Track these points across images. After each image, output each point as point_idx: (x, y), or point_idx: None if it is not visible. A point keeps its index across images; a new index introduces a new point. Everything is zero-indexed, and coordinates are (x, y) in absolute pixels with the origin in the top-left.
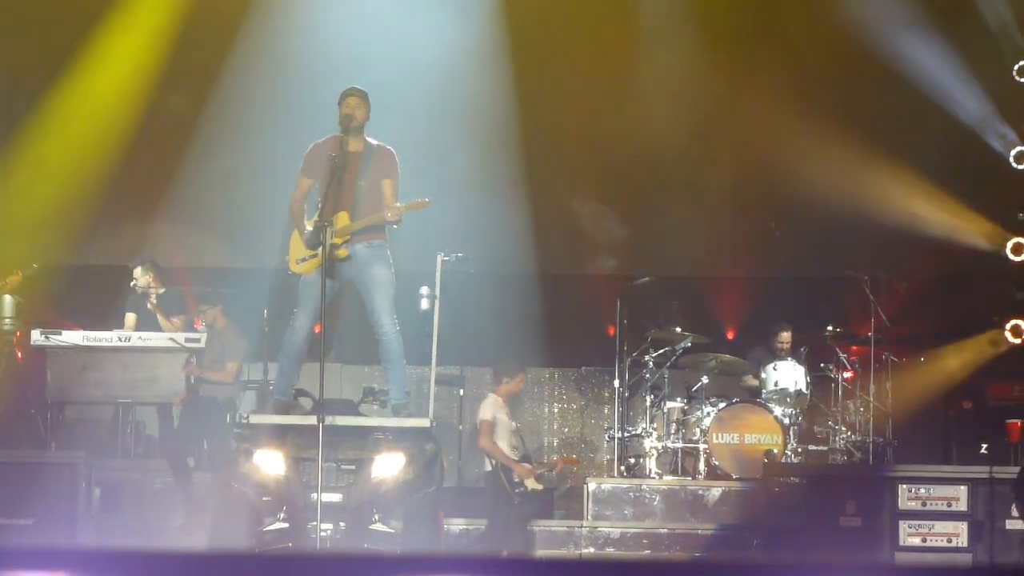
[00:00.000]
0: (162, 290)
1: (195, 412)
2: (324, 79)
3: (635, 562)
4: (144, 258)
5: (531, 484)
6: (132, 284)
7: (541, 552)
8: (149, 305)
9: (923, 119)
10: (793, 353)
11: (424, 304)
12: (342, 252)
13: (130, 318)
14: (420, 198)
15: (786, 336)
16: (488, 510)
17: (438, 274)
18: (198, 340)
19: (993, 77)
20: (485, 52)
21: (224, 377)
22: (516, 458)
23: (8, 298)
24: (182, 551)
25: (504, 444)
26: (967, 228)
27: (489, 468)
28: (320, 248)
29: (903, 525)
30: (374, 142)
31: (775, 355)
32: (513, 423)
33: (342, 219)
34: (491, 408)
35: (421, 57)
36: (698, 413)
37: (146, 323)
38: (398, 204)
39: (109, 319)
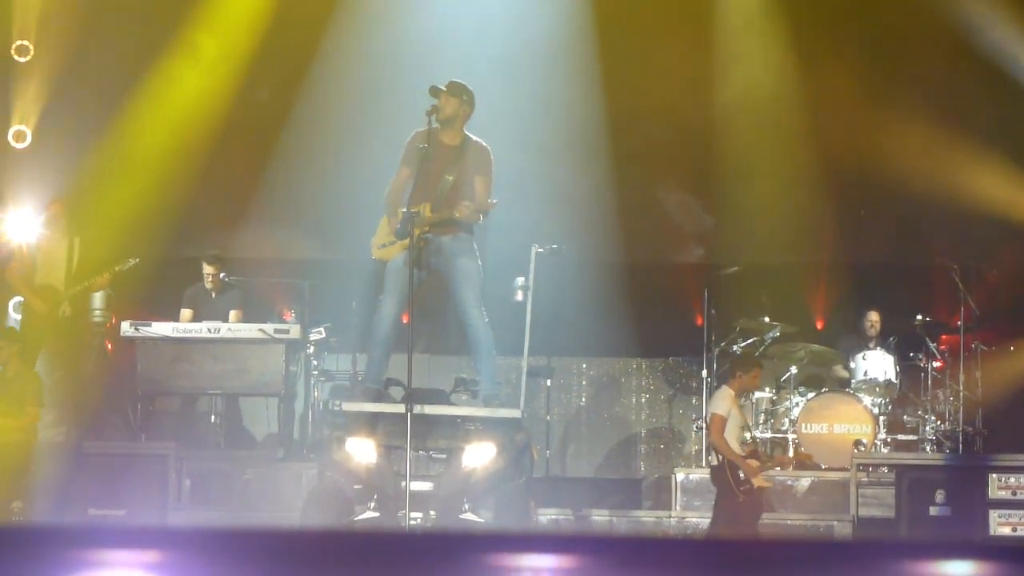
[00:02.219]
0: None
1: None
2: (414, 70)
3: (723, 541)
4: (211, 252)
5: (758, 481)
6: (207, 275)
7: None
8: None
9: (1013, 104)
10: (882, 337)
11: (519, 296)
12: (420, 244)
13: (186, 314)
14: (490, 199)
15: (875, 317)
16: (714, 504)
17: (531, 265)
18: (287, 331)
19: None
20: (571, 42)
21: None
22: (744, 454)
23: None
24: (279, 527)
25: (733, 439)
26: None
27: (716, 462)
28: (402, 236)
29: (993, 515)
30: (473, 138)
31: (866, 339)
32: (744, 418)
33: (425, 211)
34: (726, 402)
35: (507, 48)
36: (787, 403)
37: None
38: (466, 203)
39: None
